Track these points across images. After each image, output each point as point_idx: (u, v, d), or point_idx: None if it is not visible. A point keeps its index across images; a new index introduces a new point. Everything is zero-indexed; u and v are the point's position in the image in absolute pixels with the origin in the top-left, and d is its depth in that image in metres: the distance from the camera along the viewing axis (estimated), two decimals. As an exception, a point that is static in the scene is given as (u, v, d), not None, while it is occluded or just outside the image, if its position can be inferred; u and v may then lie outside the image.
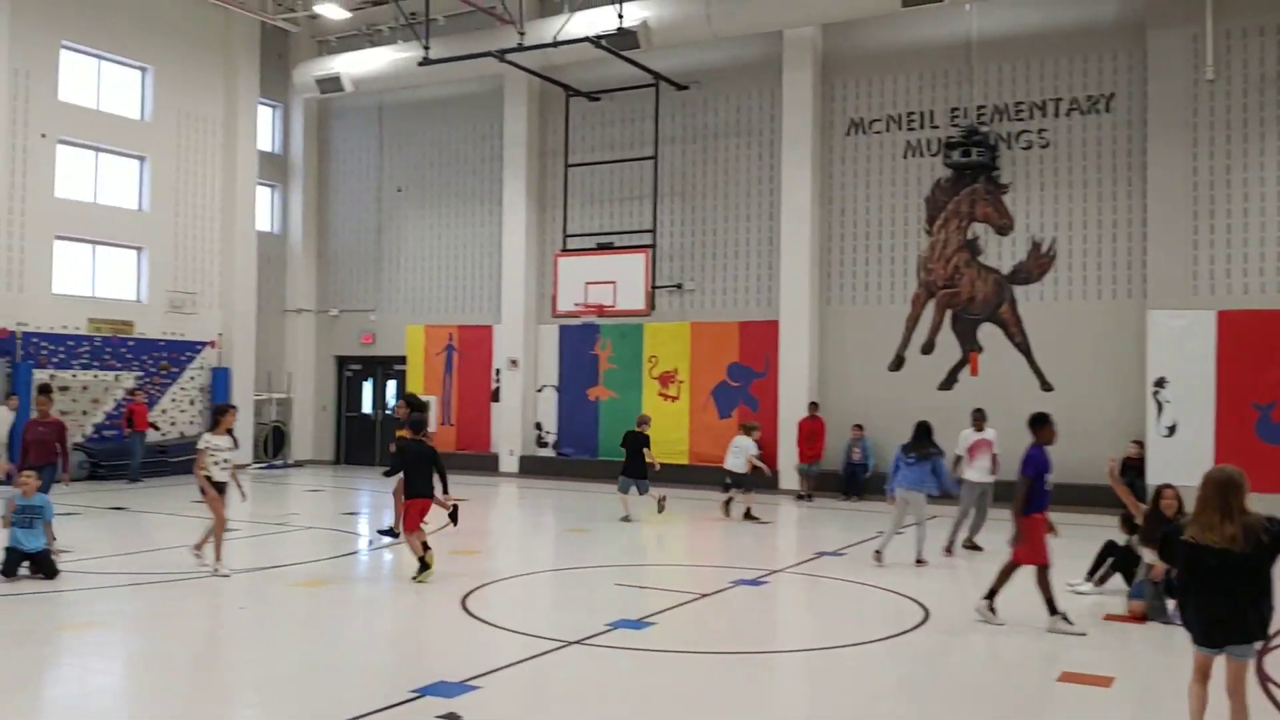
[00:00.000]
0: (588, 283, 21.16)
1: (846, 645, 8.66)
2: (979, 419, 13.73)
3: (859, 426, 19.53)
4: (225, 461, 11.29)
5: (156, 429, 22.05)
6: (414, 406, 13.66)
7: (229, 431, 11.41)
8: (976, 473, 13.34)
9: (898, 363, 19.93)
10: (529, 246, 23.34)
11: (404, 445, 11.75)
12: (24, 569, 10.58)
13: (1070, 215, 18.64)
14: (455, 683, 7.14)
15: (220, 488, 11.27)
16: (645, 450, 16.79)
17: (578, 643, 8.37)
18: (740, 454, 16.23)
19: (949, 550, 13.16)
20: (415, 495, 11.17)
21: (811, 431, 19.49)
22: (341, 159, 26.32)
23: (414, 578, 10.75)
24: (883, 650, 8.49)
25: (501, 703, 6.98)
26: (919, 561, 12.38)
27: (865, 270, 20.26)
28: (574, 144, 22.73)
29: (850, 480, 19.46)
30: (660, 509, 16.66)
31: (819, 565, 12.52)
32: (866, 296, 20.24)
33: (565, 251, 22.00)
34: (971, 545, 13.37)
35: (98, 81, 22.18)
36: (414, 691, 6.93)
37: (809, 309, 20.30)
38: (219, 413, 11.59)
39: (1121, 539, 10.82)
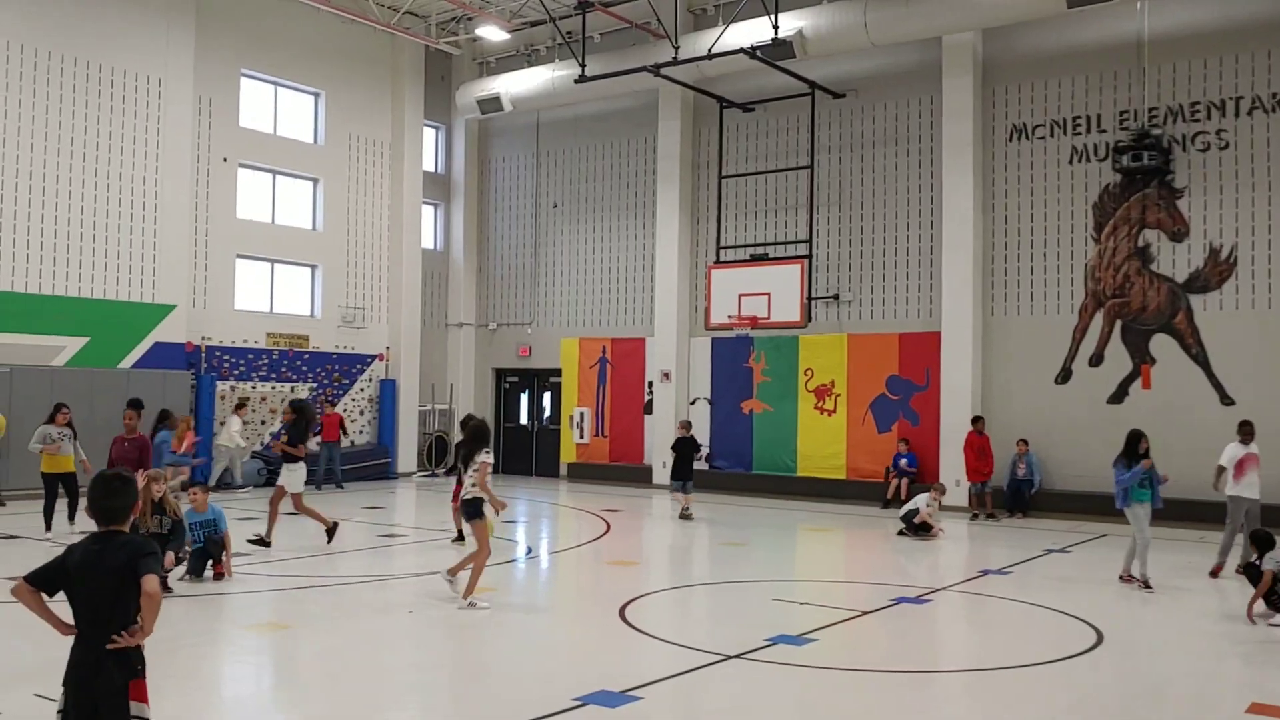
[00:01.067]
0: (741, 294, 21.15)
1: (1013, 667, 8.37)
2: (1247, 432, 12.71)
3: (1023, 441, 18.88)
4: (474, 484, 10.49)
5: (345, 433, 22.82)
6: (299, 413, 14.03)
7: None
8: (1247, 488, 12.54)
9: (1064, 375, 19.20)
10: (682, 259, 23.44)
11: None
12: (208, 572, 11.18)
13: (1253, 220, 17.64)
14: (616, 692, 7.20)
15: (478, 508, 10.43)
16: (695, 454, 18.42)
17: (737, 657, 8.34)
18: None
19: (1215, 572, 12.44)
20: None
21: (981, 448, 18.72)
22: (500, 177, 27.01)
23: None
24: (1052, 674, 8.18)
25: (662, 714, 7.01)
26: (1131, 579, 11.75)
27: (1030, 280, 19.61)
28: (728, 155, 22.76)
29: (1015, 497, 18.82)
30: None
31: (984, 584, 12.15)
32: (1032, 307, 19.58)
33: (719, 263, 22.03)
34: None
35: (274, 107, 23.36)
36: (576, 700, 7.02)
37: (972, 320, 19.76)
38: (481, 427, 10.85)
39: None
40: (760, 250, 21.91)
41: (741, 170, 22.73)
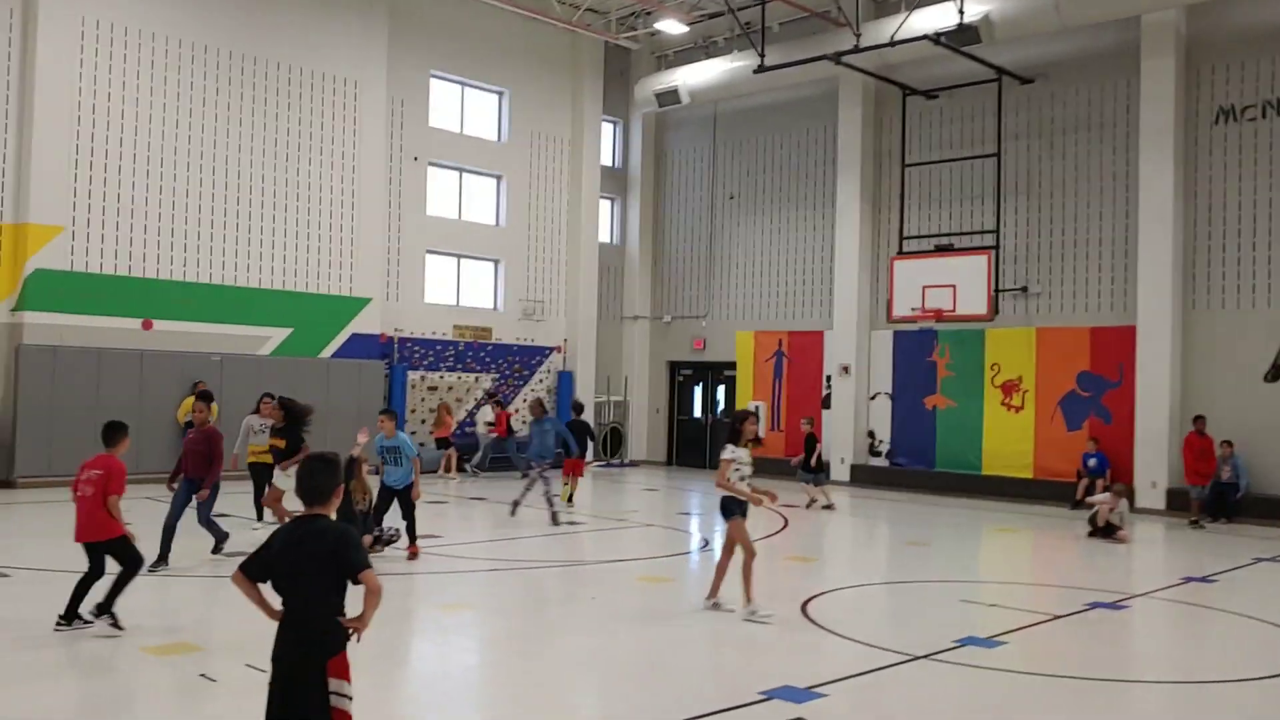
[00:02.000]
0: (925, 286, 20.63)
1: (1216, 681, 7.91)
2: None
3: (1228, 443, 17.76)
4: (747, 478, 9.60)
5: (513, 433, 23.35)
6: (289, 412, 12.87)
7: (750, 443, 9.66)
8: None
9: (1274, 373, 17.98)
10: (862, 250, 23.04)
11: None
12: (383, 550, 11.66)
13: None
14: (801, 688, 7.15)
15: (741, 508, 9.61)
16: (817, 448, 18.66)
17: (925, 657, 8.15)
18: None
19: None
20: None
21: (1202, 449, 17.50)
22: (676, 170, 27.15)
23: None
24: (1262, 690, 7.68)
25: (849, 712, 6.92)
26: None
27: (1237, 271, 18.44)
28: (910, 144, 22.23)
29: (1219, 501, 17.72)
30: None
31: (1188, 591, 11.51)
32: (1238, 300, 18.41)
33: (901, 254, 21.56)
34: None
35: (461, 107, 24.11)
36: (761, 694, 7.00)
37: (1171, 314, 18.72)
38: (740, 420, 9.61)
39: None
40: (945, 241, 21.33)
41: (925, 159, 22.17)
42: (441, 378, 23.36)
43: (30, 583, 10.07)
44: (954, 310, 20.25)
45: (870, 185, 23.18)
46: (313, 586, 4.43)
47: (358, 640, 4.50)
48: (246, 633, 8.08)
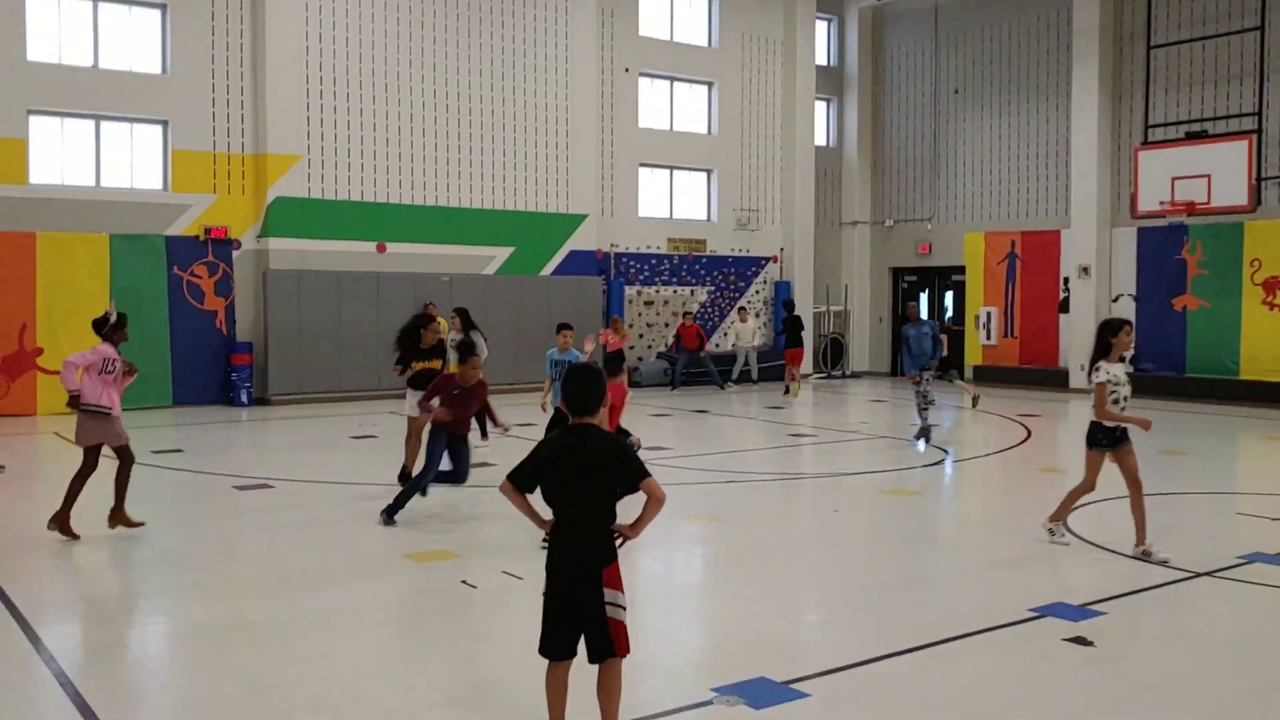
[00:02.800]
0: (1174, 178, 19.03)
1: None
2: None
3: None
4: (1124, 400, 7.99)
5: (702, 349, 22.88)
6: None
7: (1122, 358, 8.10)
8: None
9: None
10: (1102, 142, 21.41)
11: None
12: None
13: None
14: (1075, 605, 6.68)
15: (1109, 437, 8.10)
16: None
17: (1208, 575, 7.50)
18: None
19: None
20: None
21: None
22: (895, 66, 25.89)
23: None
24: None
25: (1132, 631, 6.42)
26: None
27: None
28: (1157, 23, 20.35)
29: None
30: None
31: None
32: None
33: (1147, 144, 19.91)
34: None
35: (671, 12, 23.63)
36: (1032, 611, 6.58)
37: None
38: (1114, 330, 7.96)
39: None
40: (1198, 127, 19.55)
41: (1173, 39, 20.27)
42: (657, 291, 23.34)
43: (293, 493, 10.60)
44: (1208, 202, 18.61)
45: (1110, 70, 21.42)
46: (587, 495, 4.34)
47: (620, 545, 4.40)
48: (504, 540, 8.23)
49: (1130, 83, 21.17)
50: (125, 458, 8.77)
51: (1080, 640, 6.03)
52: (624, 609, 4.37)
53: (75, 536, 8.43)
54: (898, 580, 7.56)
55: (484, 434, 13.48)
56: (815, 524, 9.61)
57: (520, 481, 4.51)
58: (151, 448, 13.45)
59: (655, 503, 4.35)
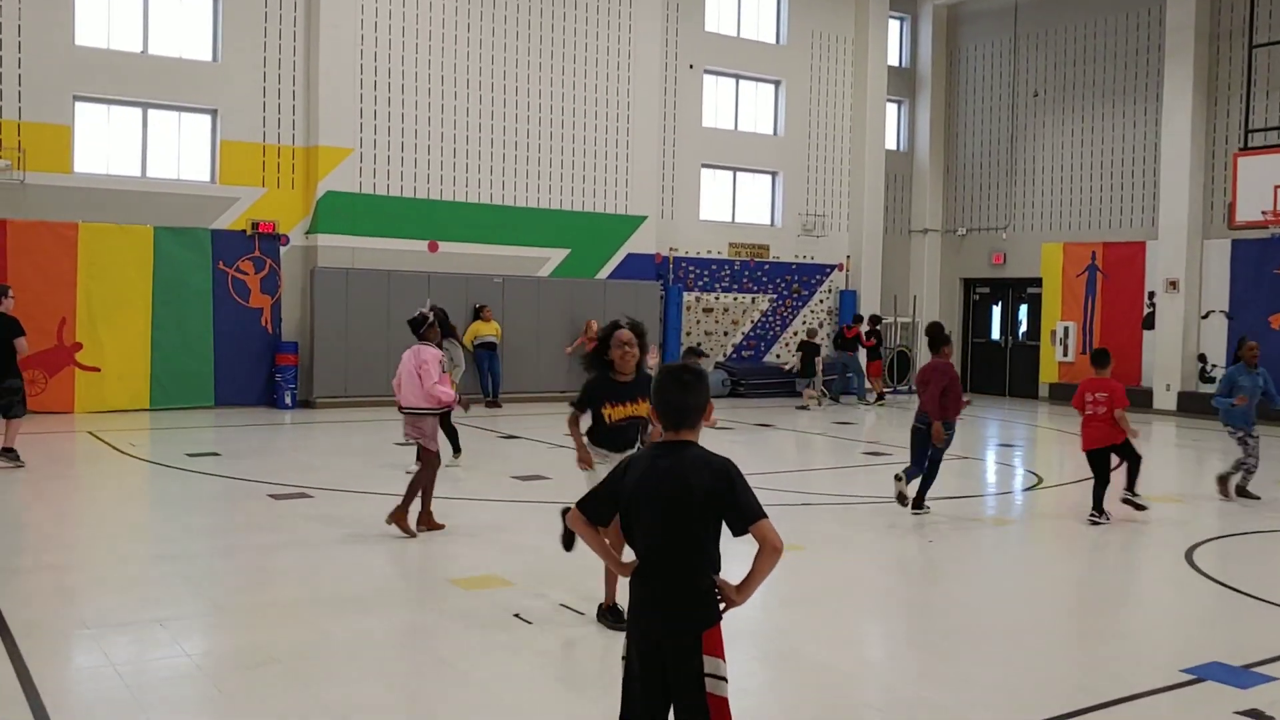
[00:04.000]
0: (1278, 186, 17.74)
1: None
2: None
3: None
4: None
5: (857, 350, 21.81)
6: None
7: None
8: None
9: None
10: (1196, 147, 20.14)
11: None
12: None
13: None
14: (1236, 667, 5.64)
15: None
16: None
17: (1383, 632, 6.42)
18: None
19: None
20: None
21: None
22: (971, 67, 24.77)
23: None
24: None
25: (1313, 705, 5.38)
26: None
27: None
28: (1259, 19, 19.08)
29: None
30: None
31: None
32: None
33: (1247, 150, 18.64)
34: None
35: (738, 9, 22.71)
36: (1187, 673, 5.55)
37: None
38: None
39: None
40: (1303, 131, 18.25)
41: (1277, 37, 18.99)
42: (717, 298, 22.39)
43: (332, 504, 9.79)
44: (1316, 212, 17.30)
45: (1205, 72, 20.17)
46: (681, 536, 3.40)
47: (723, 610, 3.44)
48: (564, 564, 7.32)
49: (1228, 84, 19.90)
50: (432, 462, 8.52)
51: (1256, 716, 5.00)
52: (726, 681, 3.43)
53: (441, 526, 8.44)
54: (1007, 629, 6.55)
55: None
56: (907, 556, 8.60)
57: (593, 511, 3.60)
58: (188, 450, 12.76)
59: (770, 554, 3.36)
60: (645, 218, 20.90)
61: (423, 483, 8.40)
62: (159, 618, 6.17)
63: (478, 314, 18.65)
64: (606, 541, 3.72)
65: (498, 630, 6.08)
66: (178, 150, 17.33)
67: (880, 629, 6.67)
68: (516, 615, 6.33)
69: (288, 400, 17.49)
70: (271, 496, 9.97)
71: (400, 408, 8.69)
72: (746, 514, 3.33)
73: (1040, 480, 12.33)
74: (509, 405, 18.45)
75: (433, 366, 8.44)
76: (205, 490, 10.49)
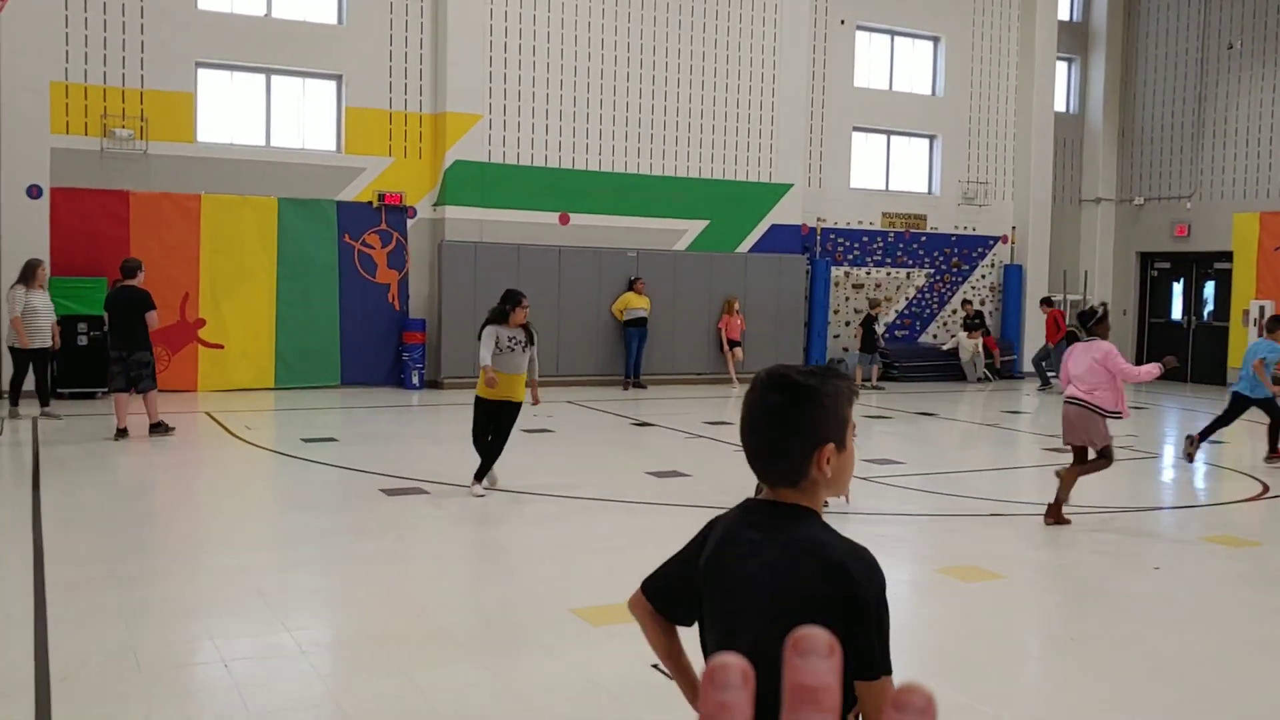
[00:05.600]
0: None
1: None
2: None
3: None
4: None
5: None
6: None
7: None
8: None
9: None
10: None
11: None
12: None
13: None
14: None
15: None
16: None
17: None
18: None
19: None
20: None
21: None
22: (1152, 20, 22.41)
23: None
24: None
25: None
26: None
27: None
28: None
29: None
30: None
31: None
32: None
33: None
34: None
35: (893, -40, 20.95)
36: None
37: None
38: None
39: None
40: None
41: None
42: (868, 273, 20.76)
43: (448, 502, 8.75)
44: None
45: None
46: (771, 646, 2.09)
47: None
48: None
49: None
50: (1107, 457, 8.25)
51: None
52: None
53: (1067, 521, 8.07)
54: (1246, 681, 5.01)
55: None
56: (1134, 586, 7.03)
57: (657, 594, 2.32)
58: (304, 435, 11.96)
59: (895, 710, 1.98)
60: (790, 186, 19.39)
61: (1090, 471, 8.27)
62: (186, 662, 5.15)
63: (631, 285, 17.56)
64: (674, 645, 2.40)
65: (623, 688, 4.86)
66: (301, 118, 16.63)
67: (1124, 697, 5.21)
68: (655, 667, 5.10)
69: (415, 380, 16.70)
70: (383, 491, 8.99)
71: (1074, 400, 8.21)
72: (865, 659, 1.96)
73: (1266, 489, 10.50)
74: (625, 390, 17.33)
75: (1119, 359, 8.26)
76: (312, 482, 9.60)
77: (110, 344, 11.55)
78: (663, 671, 4.83)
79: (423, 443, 12.22)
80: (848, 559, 2.01)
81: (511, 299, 8.84)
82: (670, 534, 7.23)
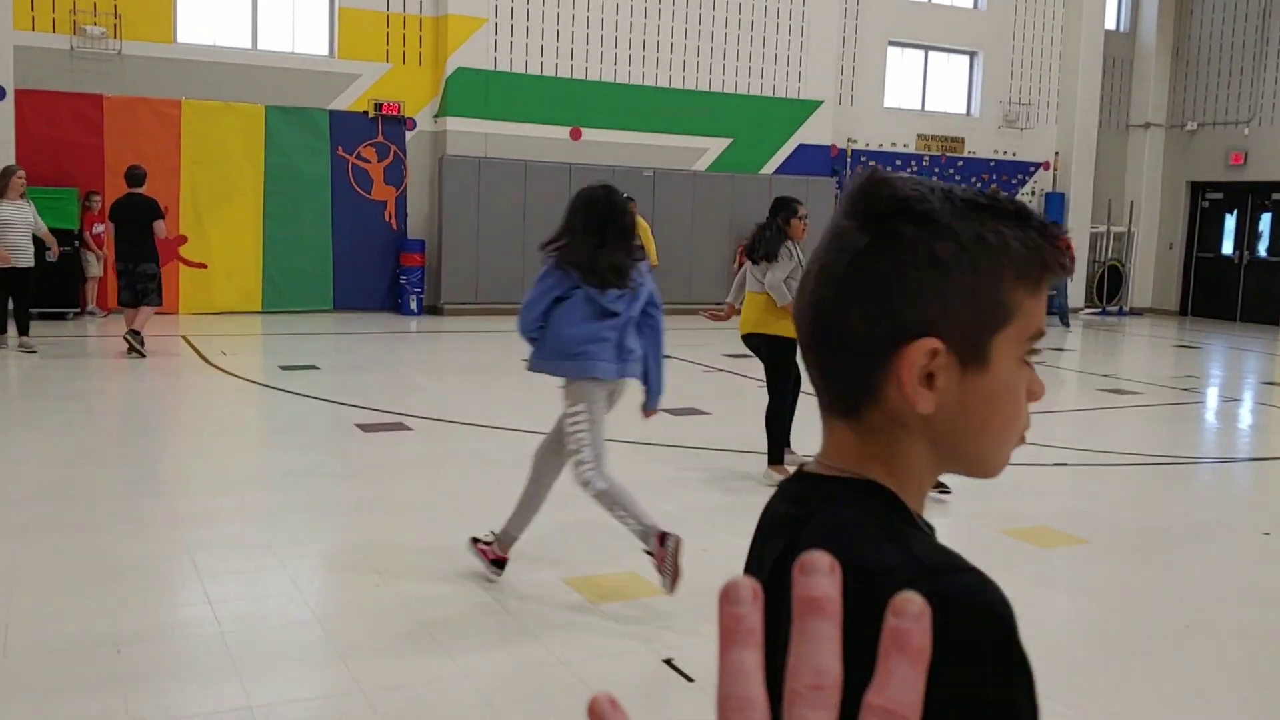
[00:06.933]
0: None
1: None
2: None
3: None
4: None
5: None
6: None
7: None
8: None
9: None
10: None
11: None
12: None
13: None
14: None
15: None
16: None
17: None
18: None
19: None
20: None
21: None
22: (1215, -71, 20.75)
23: None
24: None
25: None
26: None
27: None
28: None
29: None
30: None
31: None
32: None
33: None
34: None
35: None
36: None
37: None
38: None
39: None
40: None
41: None
42: (900, 200, 19.39)
43: (431, 440, 7.66)
44: None
45: None
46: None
47: None
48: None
49: None
50: None
51: None
52: None
53: None
54: None
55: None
56: (1247, 559, 5.86)
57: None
58: (284, 362, 10.88)
59: None
60: (820, 103, 18.00)
61: None
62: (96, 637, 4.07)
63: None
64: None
65: (638, 685, 3.76)
66: (292, 19, 15.30)
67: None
68: (668, 663, 3.98)
69: (413, 306, 15.58)
70: (359, 426, 7.90)
71: None
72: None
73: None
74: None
75: None
76: (278, 414, 8.54)
77: (116, 255, 10.98)
78: (676, 668, 3.74)
79: (413, 373, 11.09)
80: (935, 557, 0.92)
81: (788, 207, 6.98)
82: (680, 485, 6.13)
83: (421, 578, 4.83)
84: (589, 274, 4.45)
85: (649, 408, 4.84)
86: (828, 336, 0.97)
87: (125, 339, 10.49)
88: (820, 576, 0.46)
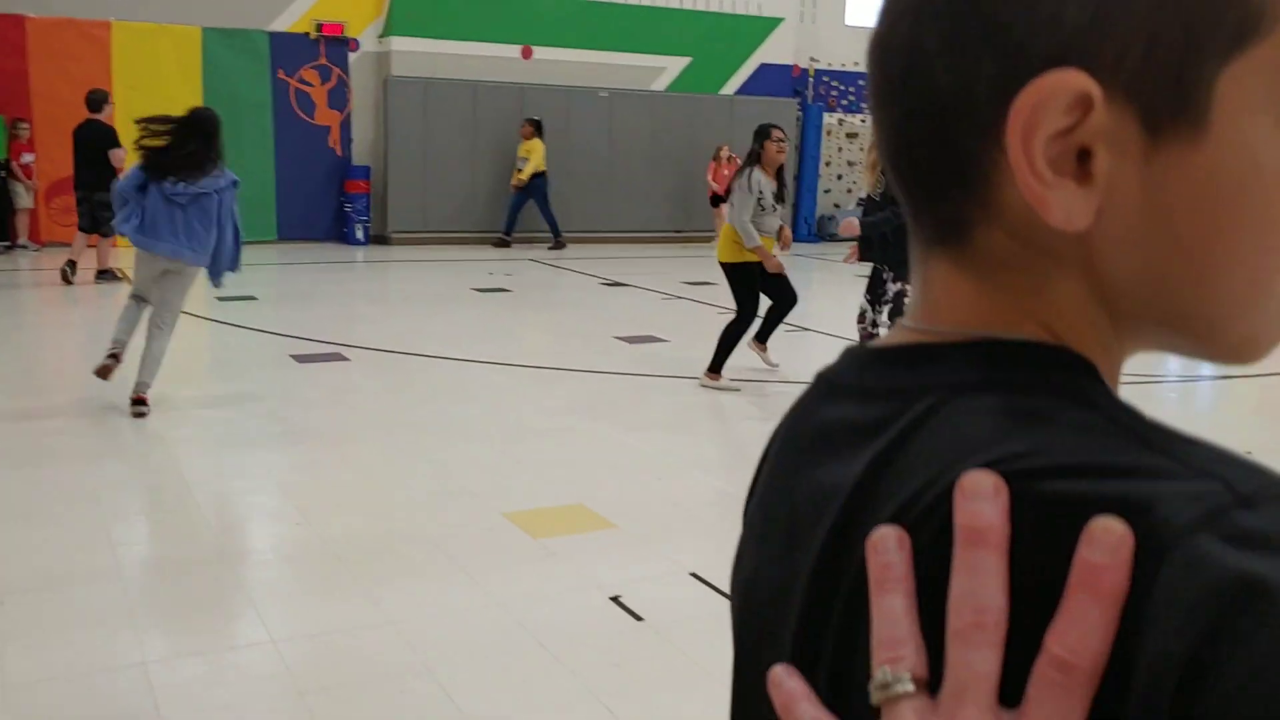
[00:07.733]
0: None
1: None
2: None
3: None
4: None
5: None
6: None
7: None
8: None
9: None
10: None
11: None
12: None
13: None
14: None
15: None
16: None
17: None
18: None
19: None
20: None
21: None
22: None
23: None
24: None
25: None
26: None
27: None
28: None
29: None
30: None
31: None
32: None
33: None
34: None
35: None
36: None
37: None
38: None
39: None
40: None
41: None
42: (863, 121, 18.93)
43: (368, 371, 7.25)
44: None
45: None
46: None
47: None
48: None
49: None
50: None
51: None
52: None
53: None
54: None
55: None
56: None
57: None
58: (219, 293, 10.35)
59: None
60: (781, 20, 17.43)
61: None
62: None
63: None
64: None
65: (587, 627, 3.42)
66: (224, -68, 14.51)
67: None
68: (615, 600, 3.64)
69: (359, 235, 15.03)
70: (294, 357, 7.47)
71: None
72: None
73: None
74: (594, 247, 15.69)
75: None
76: (208, 345, 8.08)
77: (75, 181, 10.90)
78: (624, 606, 3.39)
79: (357, 303, 10.63)
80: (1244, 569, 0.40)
81: (762, 131, 6.90)
82: (636, 408, 5.76)
83: (345, 513, 4.46)
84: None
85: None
86: (909, 116, 0.52)
87: (97, 279, 10.62)
88: (983, 502, 0.41)
